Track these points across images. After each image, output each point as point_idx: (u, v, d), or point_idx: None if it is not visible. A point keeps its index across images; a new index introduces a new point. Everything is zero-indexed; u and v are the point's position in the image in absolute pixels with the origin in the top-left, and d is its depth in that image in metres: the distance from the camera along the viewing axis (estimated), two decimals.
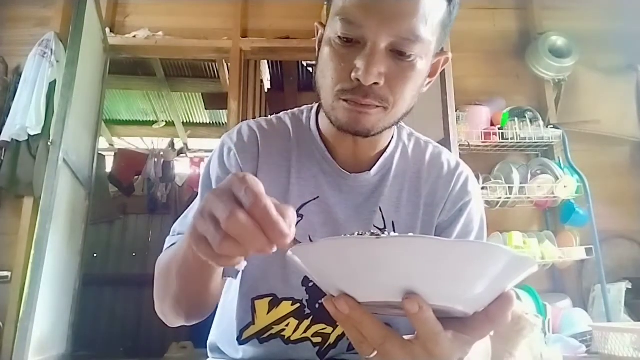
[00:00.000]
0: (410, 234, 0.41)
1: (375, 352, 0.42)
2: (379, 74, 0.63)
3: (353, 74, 0.63)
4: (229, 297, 0.82)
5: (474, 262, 0.37)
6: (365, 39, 0.63)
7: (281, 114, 0.85)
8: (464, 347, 0.42)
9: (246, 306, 0.76)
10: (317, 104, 0.84)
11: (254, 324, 0.76)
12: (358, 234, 0.42)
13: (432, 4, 0.63)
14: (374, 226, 0.75)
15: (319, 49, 0.74)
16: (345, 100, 0.66)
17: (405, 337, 0.42)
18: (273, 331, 0.76)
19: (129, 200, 4.19)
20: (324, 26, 0.74)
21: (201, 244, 0.41)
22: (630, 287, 2.23)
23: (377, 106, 0.66)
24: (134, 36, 2.73)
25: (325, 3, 0.74)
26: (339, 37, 0.65)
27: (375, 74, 0.62)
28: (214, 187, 0.75)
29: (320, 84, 0.70)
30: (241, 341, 0.77)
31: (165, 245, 0.76)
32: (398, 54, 0.64)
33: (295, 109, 0.86)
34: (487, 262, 0.38)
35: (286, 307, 0.75)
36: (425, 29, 0.63)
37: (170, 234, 0.77)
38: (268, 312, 0.75)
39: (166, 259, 0.67)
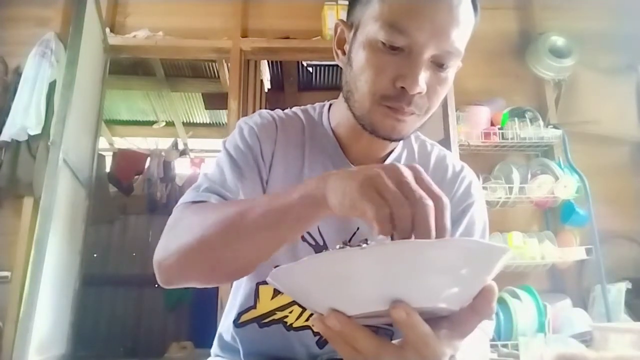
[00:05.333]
0: (387, 241, 0.42)
1: None
2: (424, 84, 0.64)
3: (399, 83, 0.64)
4: (235, 287, 0.83)
5: (451, 259, 0.38)
6: (412, 47, 0.63)
7: (294, 108, 0.86)
8: (454, 343, 0.43)
9: (250, 290, 0.77)
10: (328, 102, 0.86)
11: (254, 308, 0.77)
12: (342, 245, 0.42)
13: (469, 18, 0.66)
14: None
15: (343, 51, 0.74)
16: (387, 107, 0.66)
17: (395, 342, 0.43)
18: (275, 317, 0.77)
19: (129, 200, 4.19)
20: (346, 25, 0.74)
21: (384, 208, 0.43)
22: (630, 287, 2.24)
23: (413, 113, 0.67)
24: (134, 36, 2.72)
25: (341, 2, 0.75)
26: (383, 43, 0.64)
27: (422, 84, 0.64)
28: (234, 156, 0.75)
29: (355, 87, 0.70)
30: (237, 324, 0.78)
31: (190, 196, 0.70)
32: (438, 65, 0.66)
33: (307, 106, 0.87)
34: (462, 257, 0.38)
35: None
36: (462, 42, 0.66)
37: (194, 190, 0.72)
38: (272, 298, 0.76)
39: (232, 210, 0.60)
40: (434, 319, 0.42)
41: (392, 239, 0.42)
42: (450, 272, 0.39)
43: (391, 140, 0.72)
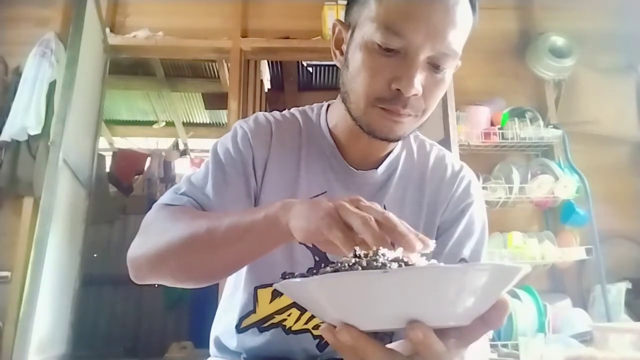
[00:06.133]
0: (408, 263, 0.42)
1: None
2: (419, 86, 0.64)
3: (394, 85, 0.64)
4: (232, 289, 0.83)
5: (471, 282, 0.38)
6: (407, 49, 0.63)
7: (292, 109, 0.86)
8: (461, 353, 0.44)
9: (249, 294, 0.77)
10: (327, 103, 0.85)
11: (254, 312, 0.77)
12: (354, 257, 0.42)
13: (466, 19, 0.66)
14: None
15: (341, 51, 0.74)
16: (383, 109, 0.66)
17: (397, 347, 0.43)
18: (274, 320, 0.77)
19: (129, 200, 4.18)
20: (344, 25, 0.74)
21: (344, 232, 0.47)
22: (630, 287, 2.23)
23: (410, 115, 0.67)
24: (134, 36, 2.72)
25: (341, 2, 0.74)
26: (378, 45, 0.64)
27: (417, 86, 0.64)
28: (222, 160, 0.75)
29: (351, 88, 0.70)
30: (240, 329, 0.78)
31: (168, 198, 0.73)
32: (434, 66, 0.65)
33: (305, 107, 0.87)
34: (483, 280, 0.38)
35: (288, 297, 0.75)
36: (459, 43, 0.65)
37: (173, 191, 0.75)
38: (270, 302, 0.77)
39: (202, 224, 0.62)
40: (443, 329, 0.42)
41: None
42: (468, 294, 0.39)
43: (389, 140, 0.72)
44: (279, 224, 0.54)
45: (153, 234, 0.67)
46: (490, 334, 0.77)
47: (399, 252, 0.43)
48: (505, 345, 2.00)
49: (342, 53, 0.74)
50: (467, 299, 0.39)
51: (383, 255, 0.41)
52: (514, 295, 2.11)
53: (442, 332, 0.41)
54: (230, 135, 0.79)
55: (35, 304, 1.90)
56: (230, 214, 0.61)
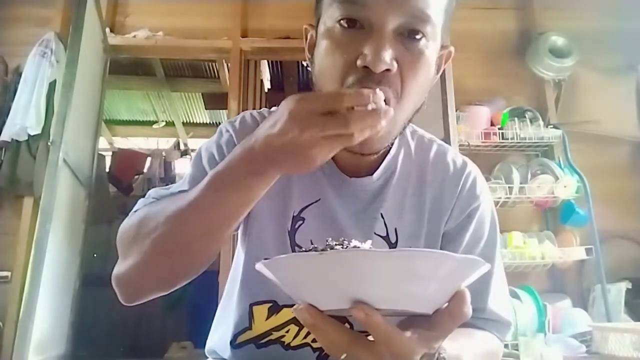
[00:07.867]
0: (352, 246, 0.44)
1: (345, 355, 0.43)
2: (390, 59, 0.56)
3: (359, 62, 0.56)
4: (228, 302, 0.80)
5: (412, 269, 0.39)
6: (371, 21, 0.57)
7: None
8: (429, 343, 0.43)
9: (243, 311, 0.74)
10: None
11: (250, 329, 0.74)
12: (327, 245, 0.44)
13: None
14: (375, 234, 0.71)
15: (311, 52, 0.70)
16: None
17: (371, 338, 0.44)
18: (272, 337, 0.74)
19: (129, 200, 4.18)
20: (314, 27, 0.70)
21: (313, 126, 0.45)
22: (630, 287, 2.23)
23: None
24: (134, 36, 2.72)
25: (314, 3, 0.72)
26: (339, 22, 0.59)
27: (386, 58, 0.56)
28: (205, 165, 0.72)
29: (320, 83, 0.64)
30: (234, 345, 0.75)
31: (139, 206, 0.70)
32: (407, 36, 0.58)
33: None
34: (425, 268, 0.39)
35: (287, 314, 0.72)
36: (433, 9, 0.59)
37: (145, 198, 0.73)
38: (267, 318, 0.73)
39: (171, 207, 0.59)
40: (414, 318, 0.43)
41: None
42: (406, 279, 0.39)
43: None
44: (265, 176, 0.52)
45: (122, 249, 0.67)
46: (505, 335, 0.75)
47: (367, 245, 0.46)
48: (505, 345, 2.00)
49: None
50: (407, 284, 0.39)
51: (355, 247, 0.44)
52: (514, 295, 2.11)
53: (410, 322, 0.42)
54: (214, 139, 0.75)
55: (35, 304, 1.91)
56: (201, 188, 0.57)
